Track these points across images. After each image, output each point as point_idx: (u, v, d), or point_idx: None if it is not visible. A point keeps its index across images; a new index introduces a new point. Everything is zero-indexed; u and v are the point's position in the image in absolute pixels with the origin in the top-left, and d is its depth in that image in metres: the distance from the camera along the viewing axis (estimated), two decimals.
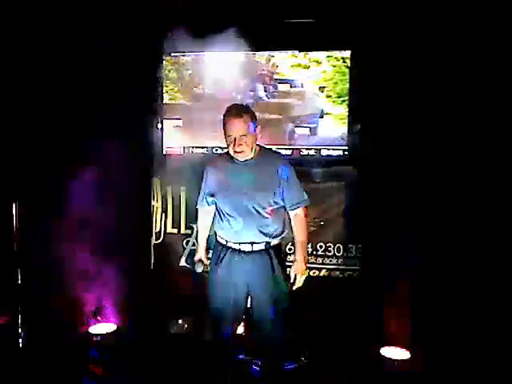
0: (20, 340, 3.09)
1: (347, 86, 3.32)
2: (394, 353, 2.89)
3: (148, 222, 3.59)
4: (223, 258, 2.37)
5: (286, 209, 2.37)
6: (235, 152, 2.23)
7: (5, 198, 3.17)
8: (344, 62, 3.33)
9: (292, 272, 2.37)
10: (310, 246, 3.35)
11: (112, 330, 3.16)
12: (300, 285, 2.37)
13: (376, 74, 3.19)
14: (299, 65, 3.39)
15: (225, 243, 2.36)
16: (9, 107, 3.19)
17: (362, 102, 3.29)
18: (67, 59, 3.28)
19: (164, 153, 3.62)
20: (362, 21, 3.14)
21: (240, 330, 3.02)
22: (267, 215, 2.28)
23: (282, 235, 2.39)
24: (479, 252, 2.92)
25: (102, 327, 3.17)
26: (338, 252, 3.36)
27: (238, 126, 2.18)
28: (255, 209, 2.26)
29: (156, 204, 3.59)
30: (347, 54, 3.31)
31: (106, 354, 2.95)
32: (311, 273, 3.38)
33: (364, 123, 3.32)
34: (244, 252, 2.31)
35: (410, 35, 3.00)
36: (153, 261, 3.59)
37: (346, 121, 3.34)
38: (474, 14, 2.78)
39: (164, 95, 3.58)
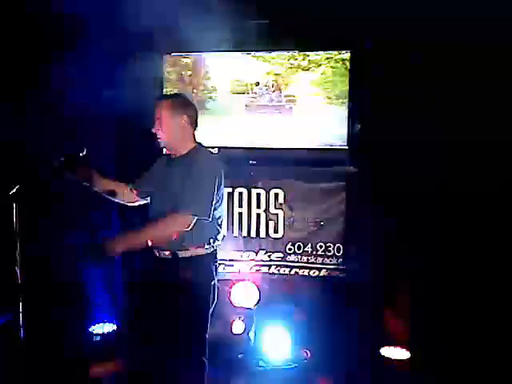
0: (20, 340, 3.09)
1: (347, 87, 3.34)
2: (394, 353, 2.90)
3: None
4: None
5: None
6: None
7: (5, 197, 3.17)
8: (344, 63, 3.35)
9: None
10: (309, 245, 3.36)
11: (112, 329, 3.16)
12: None
13: (375, 76, 3.21)
14: (299, 66, 3.41)
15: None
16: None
17: (362, 103, 3.30)
18: (66, 60, 3.28)
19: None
20: (362, 22, 3.15)
21: (239, 329, 3.03)
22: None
23: (189, 247, 2.14)
24: (479, 252, 2.93)
25: (102, 327, 3.16)
26: (338, 252, 3.36)
27: (155, 109, 2.22)
28: (162, 212, 2.12)
29: None
30: (347, 55, 3.33)
31: (106, 354, 2.94)
32: (311, 273, 3.38)
33: (363, 124, 3.33)
34: (161, 258, 2.22)
35: (410, 36, 3.01)
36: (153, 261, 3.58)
37: (346, 122, 3.36)
38: (475, 16, 2.79)
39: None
